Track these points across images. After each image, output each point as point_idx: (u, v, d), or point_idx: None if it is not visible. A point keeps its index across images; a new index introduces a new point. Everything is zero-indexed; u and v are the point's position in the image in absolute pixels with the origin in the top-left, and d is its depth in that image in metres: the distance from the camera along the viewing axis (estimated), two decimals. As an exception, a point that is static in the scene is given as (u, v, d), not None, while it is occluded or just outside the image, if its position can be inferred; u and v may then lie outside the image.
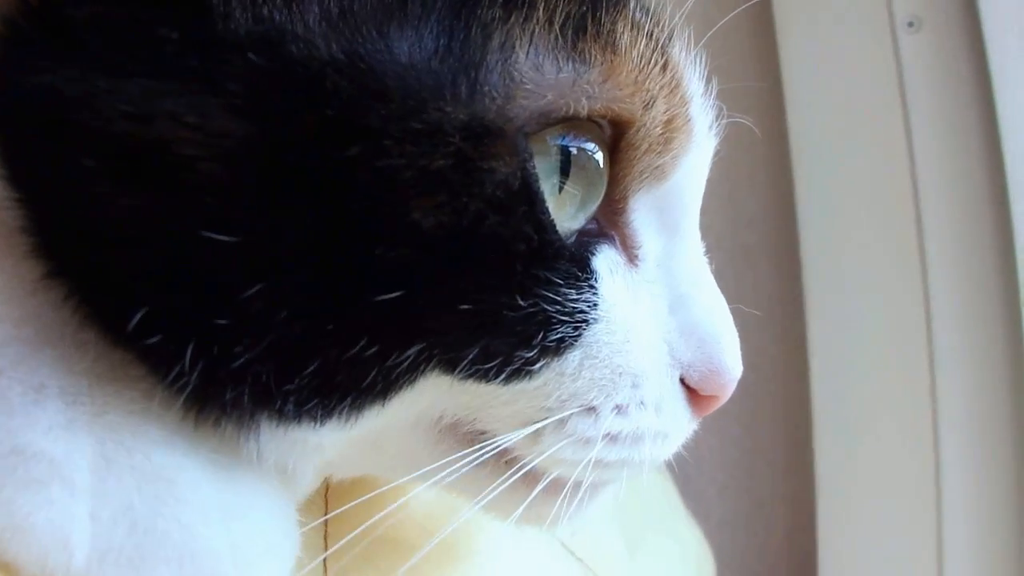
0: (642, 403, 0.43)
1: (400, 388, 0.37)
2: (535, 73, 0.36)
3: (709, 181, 0.48)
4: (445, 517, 0.51)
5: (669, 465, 0.49)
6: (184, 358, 0.34)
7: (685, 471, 1.24)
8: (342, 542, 0.42)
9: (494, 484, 0.42)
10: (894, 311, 1.24)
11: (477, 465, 0.43)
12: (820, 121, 1.31)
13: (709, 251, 0.48)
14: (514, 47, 0.35)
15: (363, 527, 0.42)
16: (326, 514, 0.47)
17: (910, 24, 1.22)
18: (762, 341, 1.35)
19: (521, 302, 0.37)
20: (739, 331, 0.46)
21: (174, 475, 0.35)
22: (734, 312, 0.47)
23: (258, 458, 0.38)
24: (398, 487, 0.46)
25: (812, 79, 1.32)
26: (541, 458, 0.42)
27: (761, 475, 1.38)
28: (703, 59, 0.46)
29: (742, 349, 0.46)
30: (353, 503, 0.43)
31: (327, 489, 0.49)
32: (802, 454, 1.32)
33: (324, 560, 0.48)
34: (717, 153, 0.48)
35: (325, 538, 0.48)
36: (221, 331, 0.33)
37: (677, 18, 0.45)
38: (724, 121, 0.48)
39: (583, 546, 0.68)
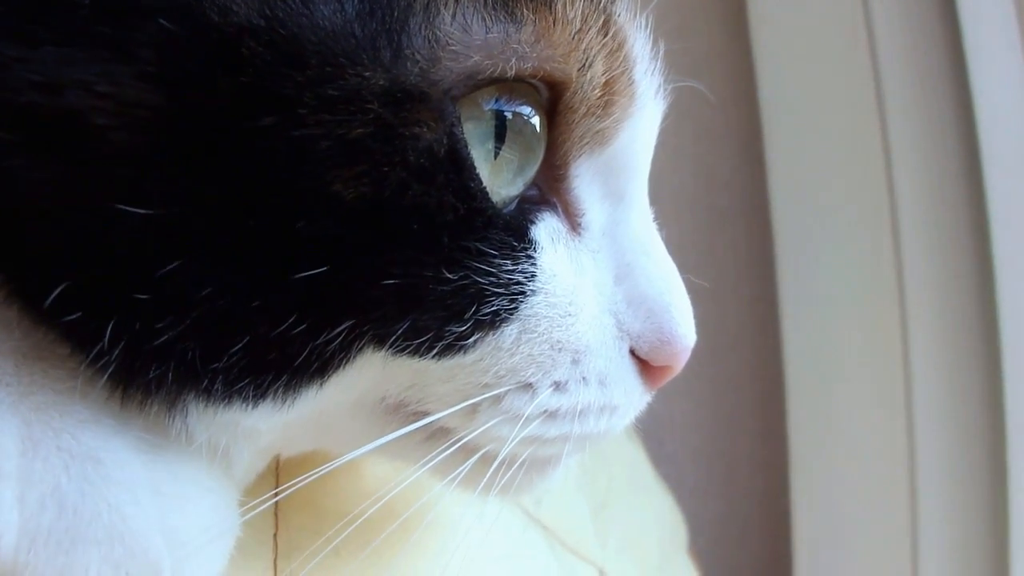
0: (584, 379, 0.42)
1: (336, 367, 0.36)
2: (462, 34, 0.35)
3: (680, 143, 0.47)
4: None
5: (641, 431, 0.49)
6: (104, 335, 0.33)
7: (658, 437, 1.25)
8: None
9: (430, 455, 0.42)
10: (866, 273, 1.24)
11: (421, 439, 0.43)
12: (790, 81, 1.30)
13: (680, 214, 0.47)
14: (439, 8, 0.34)
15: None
16: (276, 489, 0.47)
17: (881, -17, 1.21)
18: (734, 304, 1.35)
19: (449, 275, 0.36)
20: (710, 295, 0.46)
21: (102, 455, 0.34)
22: (705, 276, 0.46)
23: (187, 439, 0.37)
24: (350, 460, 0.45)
25: (782, 39, 1.31)
26: (475, 434, 0.41)
27: (734, 440, 1.39)
28: (650, 22, 0.45)
29: (713, 313, 0.45)
30: (302, 478, 0.43)
31: (278, 464, 0.49)
32: (775, 419, 1.33)
33: (275, 536, 0.47)
34: (683, 114, 0.47)
35: (276, 515, 0.48)
36: (142, 307, 0.32)
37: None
38: (678, 84, 0.47)
39: (548, 514, 0.68)
